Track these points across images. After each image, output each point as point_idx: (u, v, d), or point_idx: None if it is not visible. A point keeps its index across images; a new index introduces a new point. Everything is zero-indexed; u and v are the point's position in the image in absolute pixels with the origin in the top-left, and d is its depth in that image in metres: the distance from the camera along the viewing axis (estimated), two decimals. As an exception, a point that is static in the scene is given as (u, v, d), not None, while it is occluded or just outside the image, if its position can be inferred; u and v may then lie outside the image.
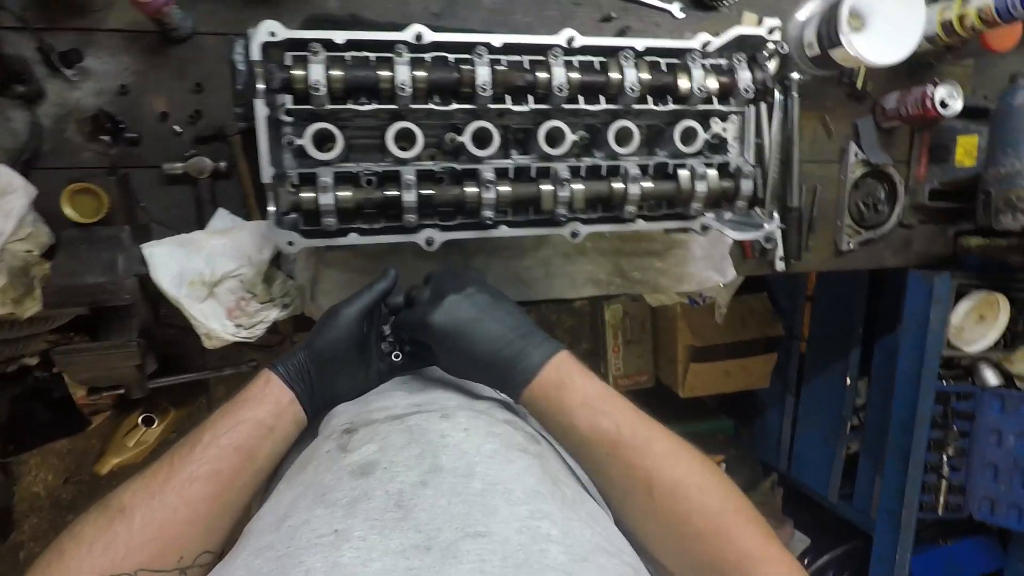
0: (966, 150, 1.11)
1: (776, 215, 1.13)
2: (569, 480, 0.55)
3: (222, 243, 0.88)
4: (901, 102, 1.11)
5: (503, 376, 0.61)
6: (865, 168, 1.16)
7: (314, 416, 0.66)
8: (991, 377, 1.24)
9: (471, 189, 0.79)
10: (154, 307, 0.91)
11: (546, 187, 0.81)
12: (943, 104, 1.05)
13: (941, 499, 1.22)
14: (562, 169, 0.81)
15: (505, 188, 0.80)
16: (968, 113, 1.15)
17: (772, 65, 1.08)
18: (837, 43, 1.00)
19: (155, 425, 1.50)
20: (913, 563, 1.22)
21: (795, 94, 1.09)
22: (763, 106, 0.92)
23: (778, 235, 1.14)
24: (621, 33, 1.03)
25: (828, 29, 1.01)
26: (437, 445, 0.52)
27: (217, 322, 0.87)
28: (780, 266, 1.14)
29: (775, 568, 0.50)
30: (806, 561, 1.68)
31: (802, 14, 1.08)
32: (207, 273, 0.87)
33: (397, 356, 0.74)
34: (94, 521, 0.53)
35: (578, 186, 0.82)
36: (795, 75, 1.08)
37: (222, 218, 0.90)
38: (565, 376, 0.59)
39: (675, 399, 1.93)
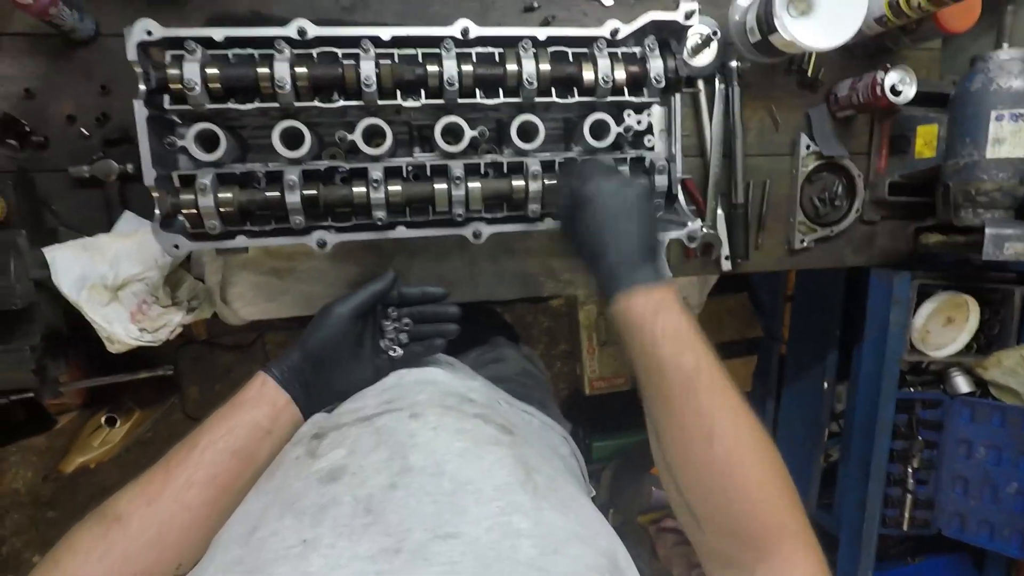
0: (925, 140, 1.04)
1: (720, 212, 1.09)
2: (544, 466, 0.54)
3: (127, 246, 0.87)
4: (853, 89, 1.04)
5: (611, 274, 0.63)
6: (818, 161, 1.09)
7: (310, 417, 0.66)
8: (962, 384, 1.15)
9: (359, 189, 0.76)
10: (68, 311, 0.91)
11: (439, 186, 0.78)
12: (894, 91, 0.98)
13: (906, 514, 1.15)
14: (456, 167, 0.78)
15: (395, 187, 0.77)
16: (934, 100, 1.08)
17: (710, 53, 1.03)
18: (776, 28, 0.94)
19: (118, 425, 1.52)
20: (877, 581, 1.15)
21: (735, 84, 1.04)
22: (676, 97, 0.86)
23: (724, 232, 1.08)
24: (545, 23, 0.99)
25: (766, 13, 0.95)
26: (406, 446, 0.52)
27: (120, 326, 0.86)
28: (726, 266, 1.09)
29: (807, 553, 0.50)
30: (783, 573, 1.60)
31: (743, -1, 1.02)
32: (110, 277, 0.86)
33: (395, 351, 0.75)
34: (89, 529, 0.52)
35: (474, 184, 0.78)
36: (734, 63, 1.03)
37: (128, 221, 0.90)
38: (666, 304, 0.60)
39: (653, 402, 1.86)
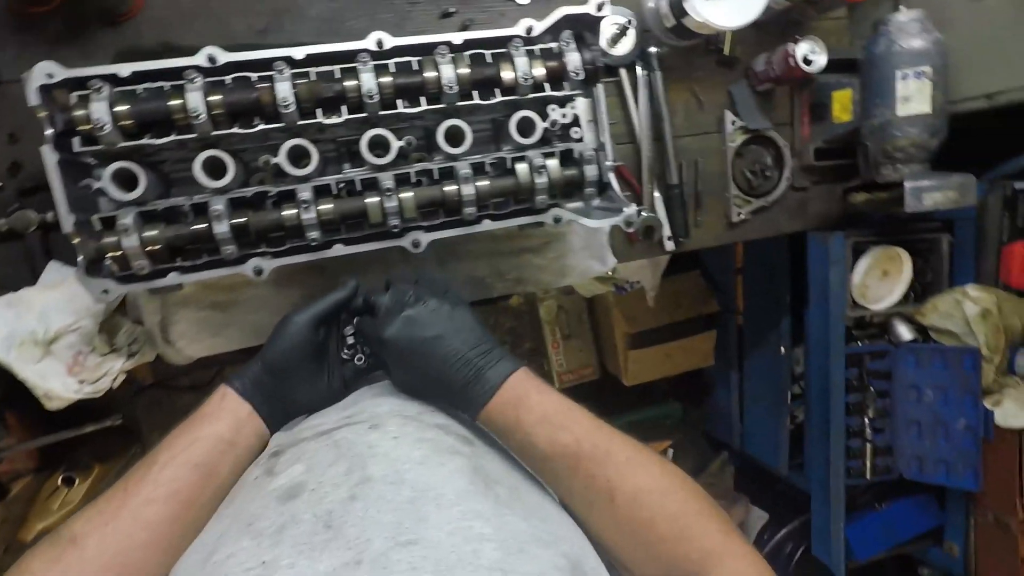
0: (842, 104, 1.08)
1: (658, 194, 1.11)
2: (507, 478, 0.54)
3: (55, 297, 0.84)
4: (768, 63, 1.07)
5: (460, 396, 0.61)
6: (745, 135, 1.12)
7: (276, 428, 0.65)
8: (905, 332, 1.21)
9: (289, 211, 0.75)
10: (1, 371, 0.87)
11: (371, 199, 0.77)
12: (806, 61, 1.02)
13: (868, 463, 1.19)
14: (386, 179, 0.78)
15: (327, 206, 0.76)
16: (846, 67, 1.12)
17: (628, 42, 1.05)
18: (687, 11, 0.97)
19: (77, 484, 1.45)
20: (850, 531, 1.19)
21: (657, 69, 1.06)
22: (599, 87, 0.88)
23: (663, 214, 1.11)
24: (464, 28, 0.99)
25: (676, -2, 0.97)
26: (365, 457, 0.51)
27: (58, 381, 0.83)
28: (669, 246, 1.11)
29: (735, 562, 0.51)
30: (765, 536, 1.65)
31: (655, -14, 1.05)
32: (40, 331, 0.82)
33: (360, 359, 0.74)
34: (43, 554, 0.50)
35: (407, 194, 0.78)
36: (652, 49, 1.05)
37: (54, 271, 0.86)
38: (522, 394, 0.59)
39: (623, 389, 1.89)
